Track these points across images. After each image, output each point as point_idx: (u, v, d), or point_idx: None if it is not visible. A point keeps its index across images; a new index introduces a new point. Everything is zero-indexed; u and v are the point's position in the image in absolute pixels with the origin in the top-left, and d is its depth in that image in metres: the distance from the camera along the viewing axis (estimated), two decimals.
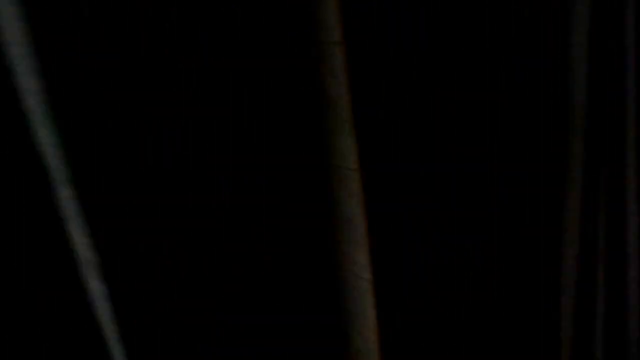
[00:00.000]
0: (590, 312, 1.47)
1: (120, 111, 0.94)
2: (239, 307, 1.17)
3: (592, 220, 1.41)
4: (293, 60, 1.09)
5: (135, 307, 1.01)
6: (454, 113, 1.25)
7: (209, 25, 0.99)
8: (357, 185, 1.20)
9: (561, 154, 1.37)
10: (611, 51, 1.28)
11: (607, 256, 1.43)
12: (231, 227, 1.12)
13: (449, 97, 1.23)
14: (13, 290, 0.96)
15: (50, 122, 0.84)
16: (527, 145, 1.35)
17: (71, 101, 0.86)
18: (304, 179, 1.17)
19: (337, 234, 1.25)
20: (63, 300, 0.97)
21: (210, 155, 1.05)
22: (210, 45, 1.00)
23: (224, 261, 1.13)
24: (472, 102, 1.26)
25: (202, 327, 1.13)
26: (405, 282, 1.30)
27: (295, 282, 1.22)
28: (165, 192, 1.01)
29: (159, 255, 1.02)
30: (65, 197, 0.90)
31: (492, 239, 1.38)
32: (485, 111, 1.28)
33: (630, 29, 1.29)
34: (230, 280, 1.15)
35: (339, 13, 1.08)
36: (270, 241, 1.17)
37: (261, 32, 1.05)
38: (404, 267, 1.30)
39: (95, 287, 0.95)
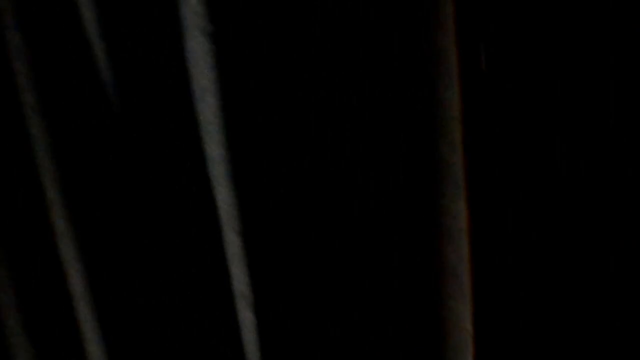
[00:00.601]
0: None
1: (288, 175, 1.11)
2: (351, 349, 1.30)
3: None
4: (417, 132, 1.25)
5: (280, 338, 1.17)
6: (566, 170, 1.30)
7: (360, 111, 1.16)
8: (465, 243, 1.32)
9: None
10: None
11: None
12: (343, 279, 1.26)
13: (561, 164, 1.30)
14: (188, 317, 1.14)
15: (230, 183, 1.03)
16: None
17: (250, 167, 1.05)
18: (418, 238, 1.31)
19: (442, 287, 1.36)
20: (218, 327, 1.15)
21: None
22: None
23: (346, 309, 1.27)
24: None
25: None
26: (504, 333, 1.40)
27: (399, 330, 1.34)
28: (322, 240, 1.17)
29: (309, 299, 1.18)
30: (231, 241, 1.09)
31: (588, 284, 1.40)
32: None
33: None
34: (346, 325, 1.29)
35: (460, 92, 1.23)
36: (381, 291, 1.30)
37: (392, 112, 1.21)
38: (504, 319, 1.40)
39: (246, 318, 1.13)
